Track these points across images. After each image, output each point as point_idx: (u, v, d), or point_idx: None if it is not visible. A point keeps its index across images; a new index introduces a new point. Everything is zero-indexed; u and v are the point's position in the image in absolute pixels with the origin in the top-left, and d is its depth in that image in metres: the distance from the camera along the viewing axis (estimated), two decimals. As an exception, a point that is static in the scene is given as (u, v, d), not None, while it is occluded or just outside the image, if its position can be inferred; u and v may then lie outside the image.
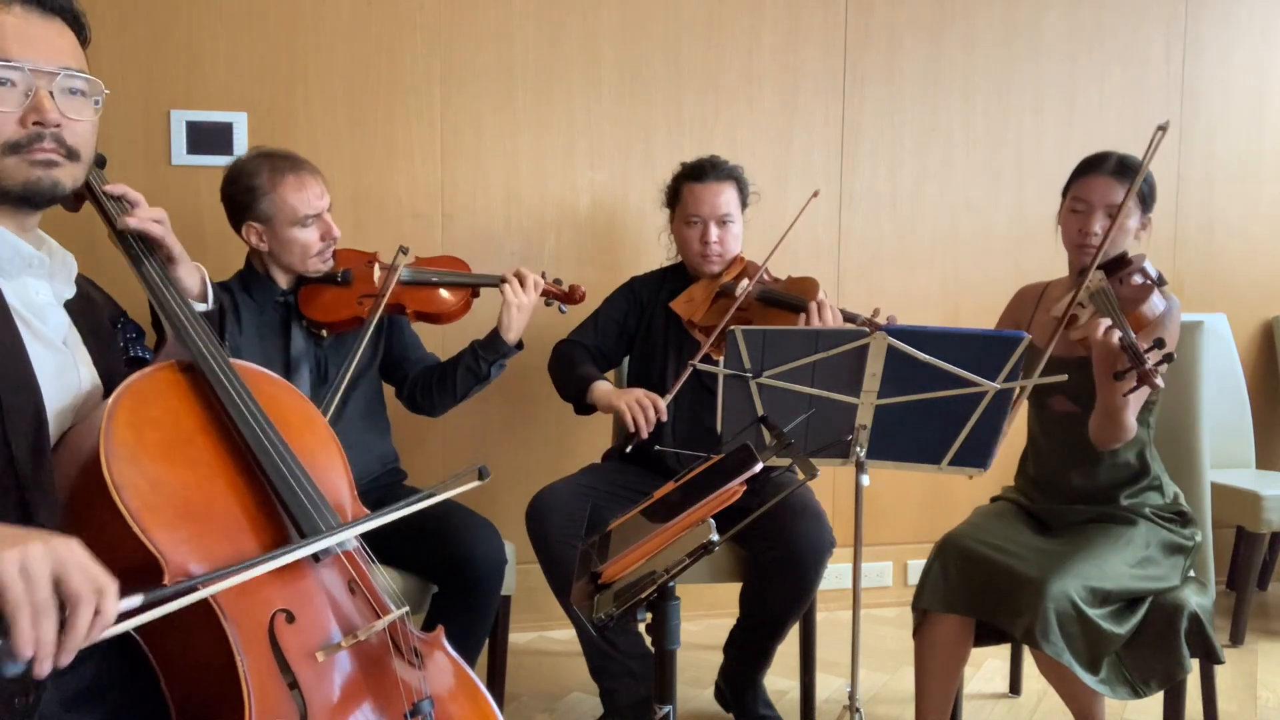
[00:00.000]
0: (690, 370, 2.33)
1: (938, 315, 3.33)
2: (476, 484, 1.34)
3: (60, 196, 1.24)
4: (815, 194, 2.52)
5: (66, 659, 0.94)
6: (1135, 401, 1.96)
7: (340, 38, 2.84)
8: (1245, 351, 3.54)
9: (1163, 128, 1.96)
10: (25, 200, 1.21)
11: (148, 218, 1.40)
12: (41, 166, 1.20)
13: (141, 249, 1.41)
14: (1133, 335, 1.85)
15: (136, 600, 1.02)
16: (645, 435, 2.31)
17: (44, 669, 0.93)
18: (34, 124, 1.18)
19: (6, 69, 1.16)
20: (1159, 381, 1.77)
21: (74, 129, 1.23)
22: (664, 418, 2.34)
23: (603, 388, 2.44)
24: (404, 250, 2.26)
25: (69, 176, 1.24)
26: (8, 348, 1.15)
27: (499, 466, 2.97)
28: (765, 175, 3.00)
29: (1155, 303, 1.99)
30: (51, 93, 1.19)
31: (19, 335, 1.17)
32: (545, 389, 3.00)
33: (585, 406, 2.49)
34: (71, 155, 1.23)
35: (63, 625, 0.94)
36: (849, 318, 2.30)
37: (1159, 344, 1.79)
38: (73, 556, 0.96)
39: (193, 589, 1.10)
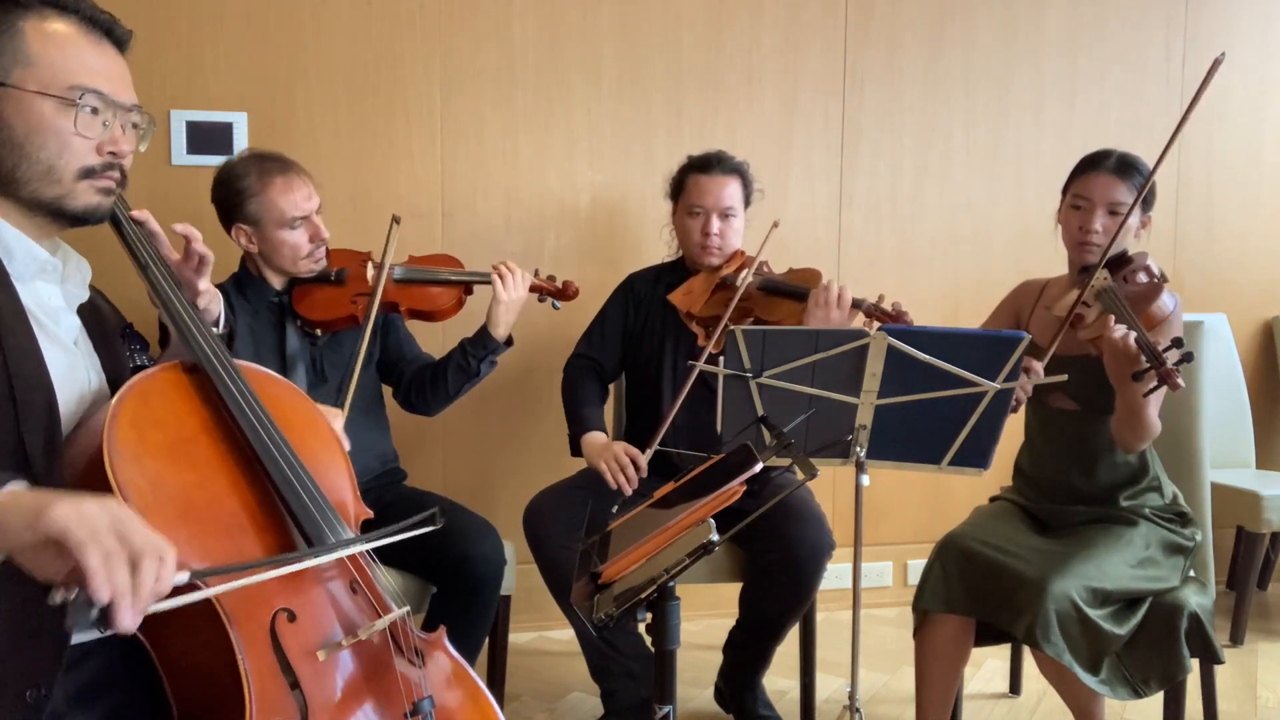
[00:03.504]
0: (693, 371, 2.32)
1: (938, 315, 3.33)
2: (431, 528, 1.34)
3: (103, 220, 1.31)
4: (775, 225, 2.38)
5: (137, 616, 0.92)
6: (1156, 400, 1.95)
7: (340, 38, 2.84)
8: (1245, 351, 3.54)
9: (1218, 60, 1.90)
10: (77, 220, 1.27)
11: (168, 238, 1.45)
12: (103, 193, 1.27)
13: (149, 253, 1.42)
14: (1147, 335, 1.84)
15: (184, 576, 1.01)
16: (629, 493, 2.27)
17: (124, 617, 0.90)
18: (109, 153, 1.25)
19: (98, 100, 1.22)
20: (1180, 381, 1.75)
21: (128, 159, 1.30)
22: (643, 473, 2.28)
23: (589, 442, 2.40)
24: (396, 220, 2.25)
25: (115, 202, 1.32)
26: (25, 348, 1.18)
27: (498, 466, 3.00)
28: (766, 175, 3.00)
29: (1165, 301, 1.98)
30: (122, 126, 1.26)
31: (34, 336, 1.21)
32: (545, 389, 3.01)
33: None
34: (122, 184, 1.30)
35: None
36: (856, 303, 2.29)
37: (1177, 343, 1.77)
38: (128, 515, 0.97)
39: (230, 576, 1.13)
